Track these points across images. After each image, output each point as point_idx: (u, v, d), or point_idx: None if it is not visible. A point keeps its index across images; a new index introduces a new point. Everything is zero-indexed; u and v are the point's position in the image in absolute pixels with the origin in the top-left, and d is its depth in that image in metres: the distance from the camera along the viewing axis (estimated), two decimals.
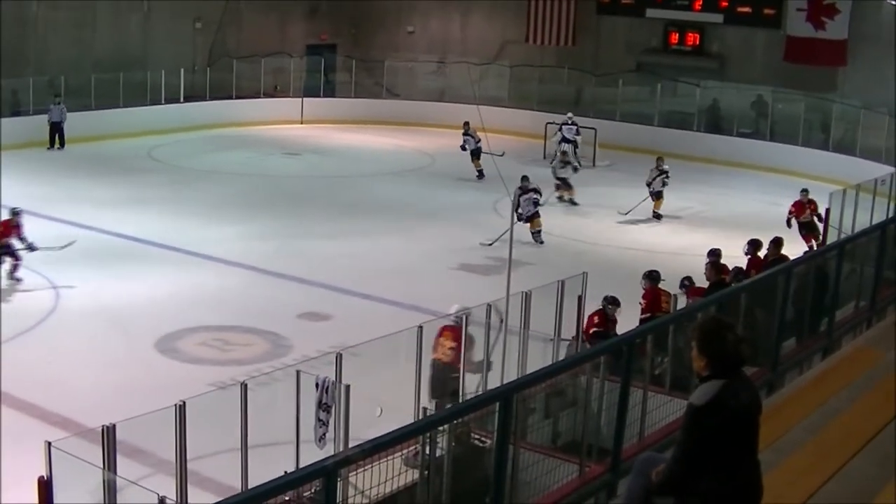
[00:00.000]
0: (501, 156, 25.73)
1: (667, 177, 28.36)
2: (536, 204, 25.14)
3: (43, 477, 8.74)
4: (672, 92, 41.07)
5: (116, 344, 18.23)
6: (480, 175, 31.75)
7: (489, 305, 13.77)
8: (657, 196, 28.46)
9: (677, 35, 41.04)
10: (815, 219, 24.21)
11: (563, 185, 29.90)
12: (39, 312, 19.64)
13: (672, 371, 11.31)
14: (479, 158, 32.20)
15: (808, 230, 24.22)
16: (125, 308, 20.03)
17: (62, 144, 35.60)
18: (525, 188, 25.04)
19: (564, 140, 34.93)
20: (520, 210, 24.16)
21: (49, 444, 8.92)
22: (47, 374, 16.63)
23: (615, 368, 9.75)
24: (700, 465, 6.26)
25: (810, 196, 24.66)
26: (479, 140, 31.92)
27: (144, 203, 28.42)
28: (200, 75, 41.36)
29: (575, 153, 35.01)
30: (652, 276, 16.23)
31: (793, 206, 24.79)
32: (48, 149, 35.45)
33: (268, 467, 9.17)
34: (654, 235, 26.63)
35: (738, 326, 8.12)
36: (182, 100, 40.08)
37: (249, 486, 9.81)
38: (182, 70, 40.08)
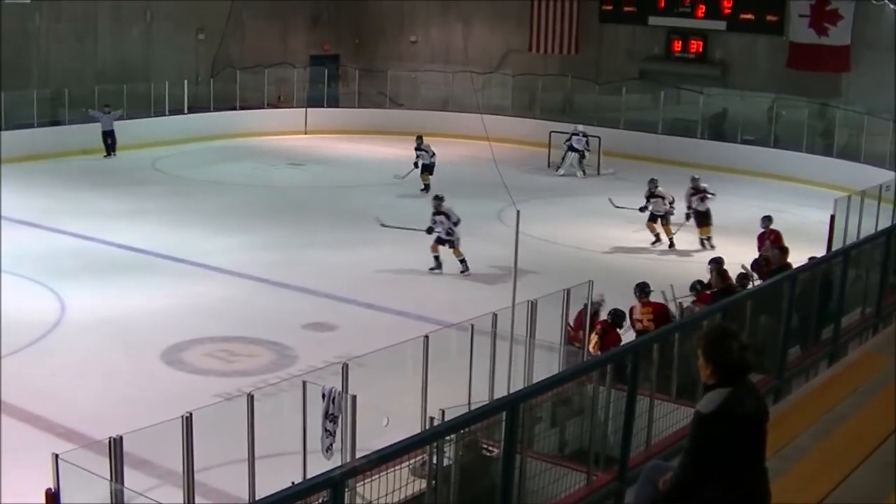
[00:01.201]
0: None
1: (706, 194, 26.52)
2: (449, 233, 23.67)
3: (50, 489, 8.75)
4: (675, 100, 41.12)
5: (121, 356, 18.22)
6: (426, 189, 31.50)
7: (495, 315, 13.77)
8: (702, 218, 26.56)
9: (680, 42, 41.02)
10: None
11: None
12: (44, 325, 19.64)
13: (678, 379, 11.31)
14: (430, 174, 32.28)
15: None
16: (130, 320, 20.03)
17: (114, 151, 36.44)
18: (438, 208, 23.93)
19: (572, 149, 35.06)
20: (437, 230, 23.63)
21: (56, 456, 8.93)
22: (52, 387, 16.64)
23: (621, 377, 9.77)
24: (707, 473, 6.26)
25: (772, 226, 22.58)
26: (434, 155, 32.24)
27: (148, 214, 28.45)
28: (204, 86, 41.40)
29: (580, 162, 35.08)
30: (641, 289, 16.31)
31: (757, 238, 22.50)
32: (105, 157, 36.31)
33: (275, 478, 9.20)
34: (659, 243, 26.56)
35: (743, 334, 8.11)
36: (186, 111, 40.13)
37: (256, 497, 9.83)
38: (185, 81, 40.13)
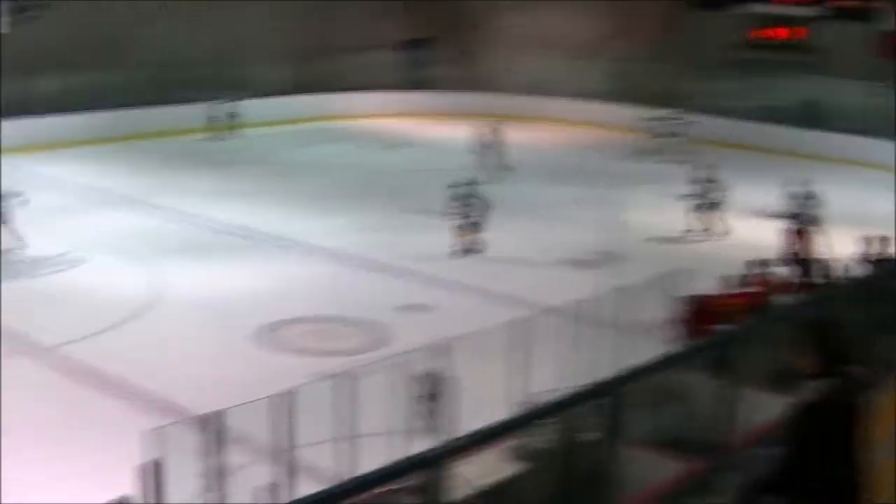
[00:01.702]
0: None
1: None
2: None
3: (149, 462, 8.89)
4: (770, 87, 40.62)
5: (219, 333, 18.51)
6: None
7: (587, 300, 13.76)
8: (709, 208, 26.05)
9: (776, 29, 40.57)
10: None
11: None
12: (145, 301, 20.02)
13: (777, 368, 11.22)
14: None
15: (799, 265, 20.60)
16: (228, 298, 20.35)
17: (233, 131, 37.35)
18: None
19: (667, 135, 34.87)
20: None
21: (155, 430, 9.08)
22: (152, 362, 16.95)
23: (720, 364, 9.72)
24: (807, 463, 6.24)
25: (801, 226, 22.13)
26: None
27: (247, 195, 28.85)
28: (300, 68, 41.72)
29: (676, 148, 34.83)
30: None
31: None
32: (213, 138, 37.08)
33: (372, 457, 9.30)
34: (749, 230, 26.24)
35: (843, 325, 8.05)
36: (282, 93, 40.47)
37: (354, 475, 9.92)
38: (280, 63, 40.50)
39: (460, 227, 23.32)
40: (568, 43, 43.28)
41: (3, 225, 22.26)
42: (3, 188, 22.77)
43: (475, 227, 23.43)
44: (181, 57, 38.06)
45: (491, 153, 31.77)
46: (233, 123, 37.49)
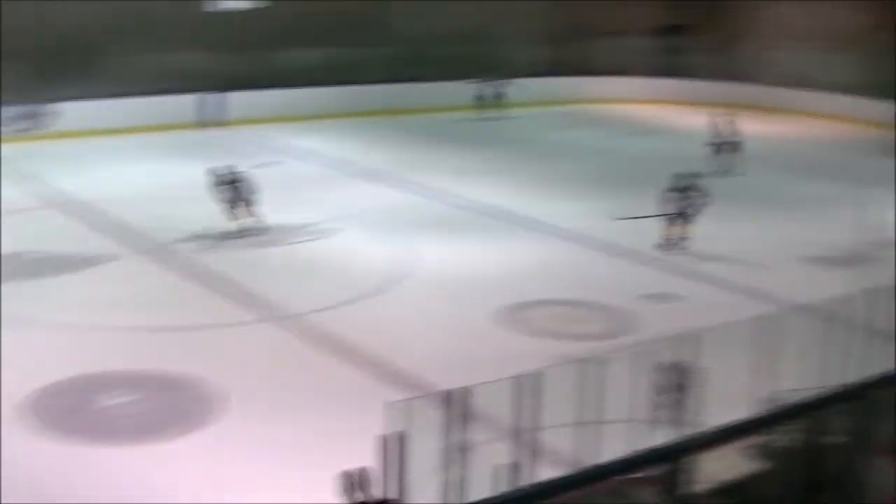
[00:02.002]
0: None
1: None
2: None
3: (392, 434, 9.07)
4: None
5: (464, 310, 18.77)
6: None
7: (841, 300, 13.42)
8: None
9: None
10: None
11: None
12: (392, 275, 20.48)
13: None
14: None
15: None
16: (474, 276, 20.65)
17: (500, 111, 38.22)
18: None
19: None
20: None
21: (398, 402, 9.27)
22: (395, 336, 17.32)
23: None
24: None
25: None
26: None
27: (499, 174, 29.28)
28: (556, 50, 41.85)
29: None
30: None
31: None
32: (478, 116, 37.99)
33: (614, 444, 9.34)
34: None
35: None
36: (534, 75, 40.68)
37: (596, 462, 9.96)
38: (537, 44, 40.71)
39: (673, 219, 22.84)
40: (827, 34, 42.06)
41: (241, 203, 22.84)
42: (238, 165, 23.49)
43: (687, 219, 22.85)
44: (438, 35, 38.70)
45: (726, 145, 31.09)
46: (500, 103, 38.01)
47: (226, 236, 22.41)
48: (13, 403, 14.24)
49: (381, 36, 38.40)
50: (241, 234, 22.53)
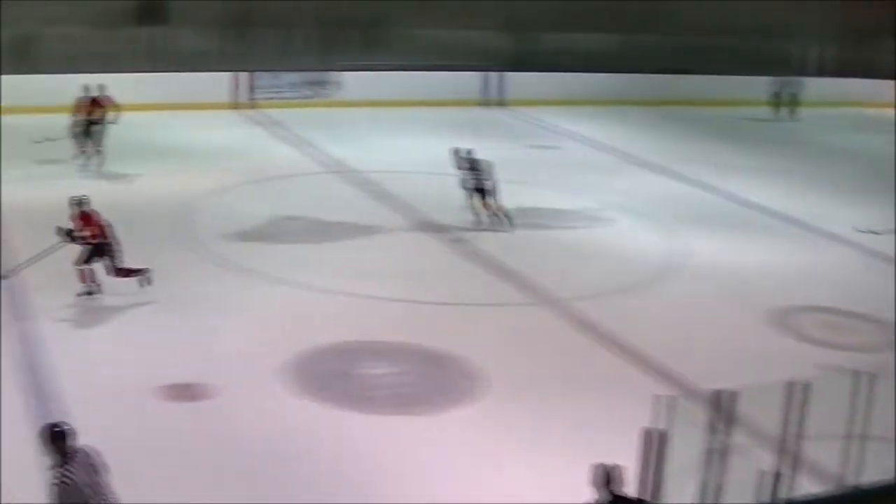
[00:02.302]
0: None
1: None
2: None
3: (654, 430, 8.98)
4: None
5: (731, 309, 18.42)
6: None
7: None
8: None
9: None
10: None
11: None
12: (663, 268, 20.36)
13: None
14: None
15: None
16: (744, 275, 20.23)
17: (793, 110, 37.77)
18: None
19: None
20: None
21: (664, 398, 9.16)
22: (662, 329, 17.13)
23: None
24: None
25: None
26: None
27: (775, 174, 28.65)
28: (843, 49, 40.74)
29: None
30: None
31: None
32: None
33: (877, 464, 9.01)
34: None
35: None
36: (822, 73, 39.80)
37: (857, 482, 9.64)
38: (825, 42, 39.78)
39: None
40: None
41: (479, 196, 22.12)
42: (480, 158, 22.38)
43: None
44: (721, 28, 38.15)
45: None
46: (794, 101, 37.35)
47: (492, 219, 22.26)
48: (279, 362, 14.74)
49: (670, 25, 38.01)
50: (478, 224, 22.07)
